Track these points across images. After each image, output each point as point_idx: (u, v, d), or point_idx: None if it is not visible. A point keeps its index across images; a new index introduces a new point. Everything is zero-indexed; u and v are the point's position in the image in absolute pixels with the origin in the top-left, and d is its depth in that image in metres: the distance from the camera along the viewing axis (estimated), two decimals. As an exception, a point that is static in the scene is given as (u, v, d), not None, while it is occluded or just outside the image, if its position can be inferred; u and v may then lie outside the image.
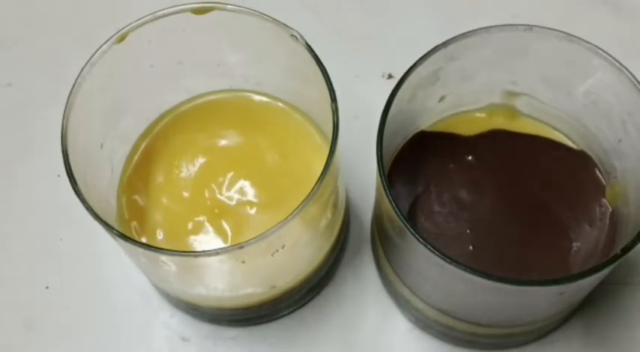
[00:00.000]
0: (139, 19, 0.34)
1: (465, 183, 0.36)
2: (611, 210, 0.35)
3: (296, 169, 0.38)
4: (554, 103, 0.37)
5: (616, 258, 0.30)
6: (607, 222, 0.35)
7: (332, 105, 0.32)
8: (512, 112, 0.38)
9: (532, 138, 0.37)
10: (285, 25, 0.34)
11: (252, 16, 0.34)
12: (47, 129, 0.38)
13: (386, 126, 0.32)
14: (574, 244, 0.35)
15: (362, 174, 0.42)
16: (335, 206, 0.36)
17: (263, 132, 0.39)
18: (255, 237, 0.30)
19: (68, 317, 0.41)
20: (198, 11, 0.35)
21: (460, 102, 0.38)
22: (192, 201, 0.37)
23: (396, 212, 0.31)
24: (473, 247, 0.35)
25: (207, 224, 0.37)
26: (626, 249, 0.30)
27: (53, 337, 0.40)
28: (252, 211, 0.37)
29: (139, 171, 0.38)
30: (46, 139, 0.41)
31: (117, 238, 0.31)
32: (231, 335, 0.40)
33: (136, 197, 0.38)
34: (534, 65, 0.36)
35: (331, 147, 0.32)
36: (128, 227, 0.37)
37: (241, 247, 0.30)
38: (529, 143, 0.37)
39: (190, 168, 0.38)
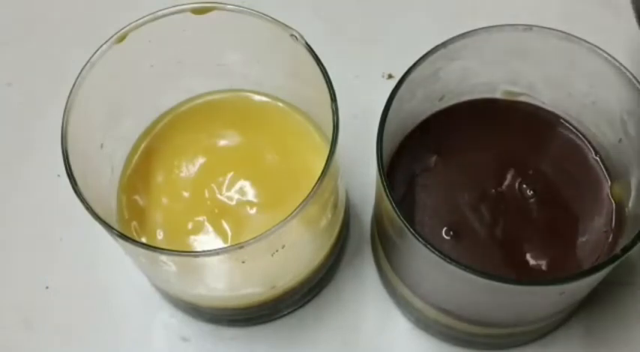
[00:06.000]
0: (139, 19, 0.34)
1: (467, 182, 0.36)
2: (614, 203, 0.35)
3: (296, 169, 0.38)
4: (554, 103, 0.37)
5: (616, 258, 0.30)
6: (612, 217, 0.35)
7: (332, 105, 0.32)
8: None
9: (535, 134, 0.37)
10: (285, 25, 0.34)
11: (252, 16, 0.34)
12: (47, 129, 0.38)
13: (386, 126, 0.32)
14: (580, 239, 0.35)
15: (362, 174, 0.42)
16: (335, 206, 0.36)
17: (263, 132, 0.39)
18: (255, 237, 0.30)
19: (68, 317, 0.41)
20: (198, 11, 0.35)
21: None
22: (192, 201, 0.37)
23: (396, 212, 0.31)
24: (474, 245, 0.35)
25: (207, 224, 0.37)
26: (626, 249, 0.30)
27: (53, 337, 0.40)
28: (252, 211, 0.37)
29: (139, 171, 0.38)
30: (46, 139, 0.41)
31: (117, 238, 0.31)
32: (231, 335, 0.40)
33: (136, 197, 0.38)
34: (534, 65, 0.36)
35: (331, 147, 0.32)
36: (128, 227, 0.37)
37: (241, 247, 0.30)
38: (532, 140, 0.37)
39: (190, 168, 0.38)
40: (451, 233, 0.35)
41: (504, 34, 0.34)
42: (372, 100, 0.36)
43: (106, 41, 0.34)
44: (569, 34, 0.33)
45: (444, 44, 0.33)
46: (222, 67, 0.38)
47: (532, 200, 0.35)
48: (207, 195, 0.37)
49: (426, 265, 0.32)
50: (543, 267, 0.34)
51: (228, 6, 0.34)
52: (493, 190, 0.36)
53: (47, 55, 0.47)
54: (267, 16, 0.34)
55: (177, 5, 0.35)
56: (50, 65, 0.46)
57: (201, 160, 0.38)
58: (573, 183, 0.36)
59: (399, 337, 0.40)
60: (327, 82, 0.33)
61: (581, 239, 0.35)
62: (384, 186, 0.31)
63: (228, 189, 0.37)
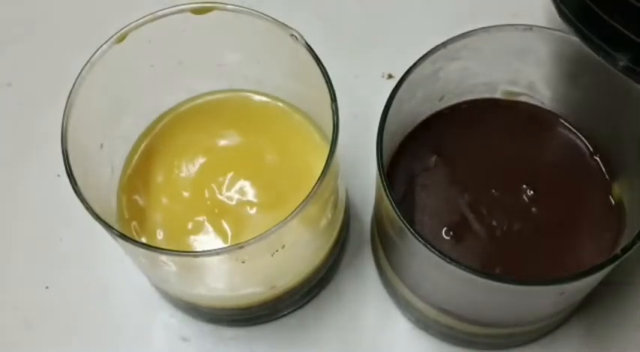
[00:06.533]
0: (139, 19, 0.34)
1: (467, 182, 0.36)
2: (614, 203, 0.35)
3: (296, 169, 0.38)
4: (554, 103, 0.37)
5: (616, 258, 0.30)
6: (612, 217, 0.35)
7: (332, 105, 0.32)
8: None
9: (535, 134, 0.37)
10: (285, 25, 0.34)
11: (252, 16, 0.34)
12: (47, 129, 0.38)
13: (386, 126, 0.32)
14: (580, 239, 0.35)
15: (362, 174, 0.41)
16: (335, 206, 0.36)
17: (263, 132, 0.39)
18: (255, 237, 0.30)
19: (68, 317, 0.41)
20: (198, 11, 0.35)
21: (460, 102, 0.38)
22: (192, 201, 0.37)
23: (396, 212, 0.31)
24: (474, 245, 0.35)
25: (207, 224, 0.37)
26: (626, 249, 0.30)
27: (53, 337, 0.40)
28: (252, 211, 0.37)
29: (139, 171, 0.38)
30: (46, 139, 0.41)
31: (117, 238, 0.31)
32: (231, 335, 0.40)
33: (136, 197, 0.38)
34: (534, 65, 0.36)
35: (331, 147, 0.32)
36: (128, 227, 0.37)
37: (241, 247, 0.30)
38: (532, 140, 0.37)
39: (190, 168, 0.38)
40: (451, 233, 0.35)
41: (504, 34, 0.34)
42: (372, 100, 0.36)
43: (106, 41, 0.34)
44: (568, 33, 0.33)
45: (444, 44, 0.33)
46: (222, 67, 0.38)
47: (532, 200, 0.35)
48: (207, 195, 0.37)
49: (426, 265, 0.32)
50: (543, 267, 0.34)
51: (228, 6, 0.34)
52: (493, 190, 0.36)
53: (47, 55, 0.47)
54: (267, 16, 0.34)
55: (177, 5, 0.35)
56: (50, 65, 0.46)
57: (201, 160, 0.38)
58: (573, 183, 0.36)
59: (399, 337, 0.40)
60: (327, 82, 0.33)
61: (581, 239, 0.35)
62: (384, 186, 0.31)
63: (228, 189, 0.37)
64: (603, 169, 0.36)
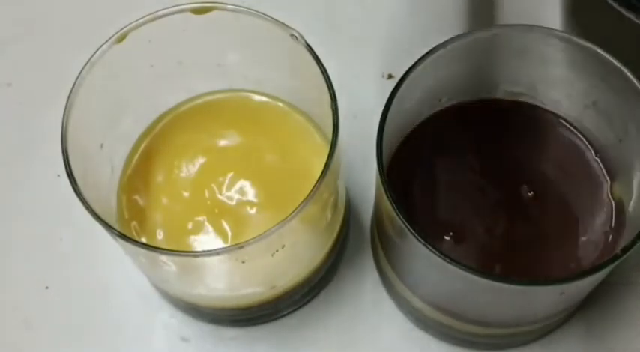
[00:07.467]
0: (139, 19, 0.34)
1: (467, 182, 0.36)
2: (614, 203, 0.35)
3: (296, 169, 0.38)
4: (554, 103, 0.37)
5: (616, 258, 0.30)
6: (612, 217, 0.35)
7: (332, 105, 0.32)
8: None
9: (535, 134, 0.37)
10: (285, 25, 0.34)
11: (252, 16, 0.34)
12: (47, 129, 0.38)
13: (386, 126, 0.32)
14: (580, 239, 0.35)
15: (362, 174, 0.42)
16: (335, 206, 0.36)
17: (263, 132, 0.39)
18: (255, 237, 0.30)
19: (68, 317, 0.41)
20: (198, 11, 0.35)
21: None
22: (192, 201, 0.37)
23: (396, 212, 0.31)
24: (474, 245, 0.35)
25: (207, 224, 0.37)
26: (626, 249, 0.30)
27: (53, 337, 0.40)
28: (252, 211, 0.37)
29: (139, 171, 0.38)
30: (46, 139, 0.41)
31: (117, 238, 0.31)
32: (231, 335, 0.40)
33: (136, 197, 0.38)
34: (534, 65, 0.36)
35: (331, 147, 0.32)
36: (128, 227, 0.37)
37: (241, 247, 0.30)
38: (532, 140, 0.37)
39: (190, 168, 0.38)
40: (451, 233, 0.35)
41: (504, 34, 0.34)
42: (372, 100, 0.36)
43: (106, 41, 0.34)
44: (569, 34, 0.33)
45: (443, 44, 0.33)
46: (222, 67, 0.38)
47: (532, 200, 0.35)
48: (207, 195, 0.37)
49: (426, 265, 0.32)
50: (543, 267, 0.34)
51: (228, 6, 0.34)
52: (493, 190, 0.36)
53: (47, 55, 0.47)
54: (267, 16, 0.34)
55: (177, 5, 0.35)
56: (50, 65, 0.46)
57: (201, 160, 0.38)
58: (573, 183, 0.36)
59: (399, 337, 0.40)
60: (327, 82, 0.33)
61: (581, 239, 0.35)
62: (384, 186, 0.31)
63: (228, 189, 0.37)
64: (603, 169, 0.36)
